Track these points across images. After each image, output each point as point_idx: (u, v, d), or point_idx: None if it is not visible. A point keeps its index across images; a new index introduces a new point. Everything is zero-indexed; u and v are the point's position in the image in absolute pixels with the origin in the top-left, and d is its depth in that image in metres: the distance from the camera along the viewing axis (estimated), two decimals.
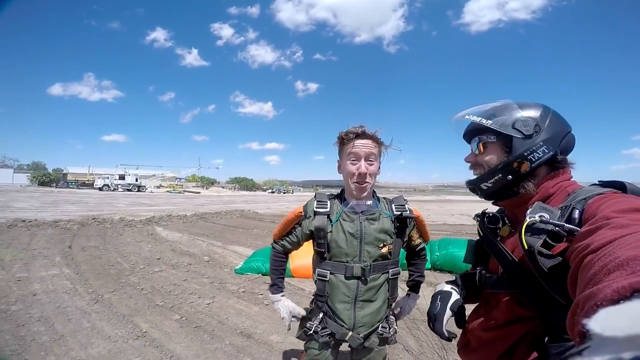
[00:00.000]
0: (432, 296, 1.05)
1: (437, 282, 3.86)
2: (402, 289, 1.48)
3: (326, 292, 1.33)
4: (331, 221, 1.30)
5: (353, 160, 1.27)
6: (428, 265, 4.42)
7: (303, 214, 1.37)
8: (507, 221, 0.93)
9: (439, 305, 0.98)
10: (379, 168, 1.33)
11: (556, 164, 0.84)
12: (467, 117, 0.91)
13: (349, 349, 1.43)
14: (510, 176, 0.84)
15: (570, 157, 0.88)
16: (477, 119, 0.88)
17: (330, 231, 1.30)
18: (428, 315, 1.02)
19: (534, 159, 0.82)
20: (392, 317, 1.43)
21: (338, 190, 1.45)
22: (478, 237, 1.00)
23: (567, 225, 0.67)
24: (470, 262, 1.03)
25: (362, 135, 1.26)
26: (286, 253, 1.48)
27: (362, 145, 1.25)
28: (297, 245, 1.45)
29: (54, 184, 46.42)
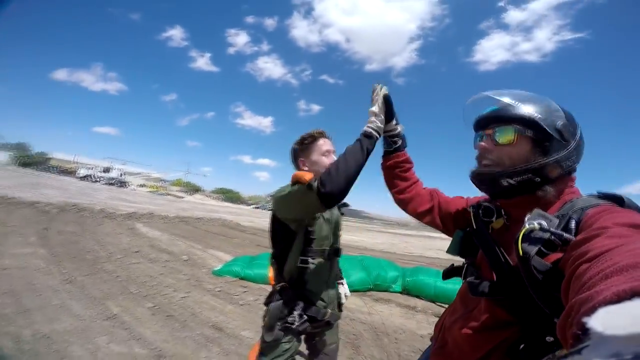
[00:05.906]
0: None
1: (407, 304, 4.05)
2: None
3: (305, 279, 1.44)
4: None
5: (327, 154, 1.46)
6: (399, 288, 4.63)
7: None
8: (503, 213, 0.88)
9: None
10: None
11: (567, 175, 0.80)
12: (516, 103, 0.80)
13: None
14: (538, 178, 0.77)
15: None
16: (529, 111, 0.78)
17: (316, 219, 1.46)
18: None
19: (565, 167, 0.77)
20: (339, 284, 1.63)
21: None
22: (468, 228, 0.96)
23: (565, 234, 0.64)
24: (454, 254, 0.99)
25: (324, 134, 1.50)
26: None
27: (329, 142, 1.49)
28: None
29: (35, 167, 45.05)
